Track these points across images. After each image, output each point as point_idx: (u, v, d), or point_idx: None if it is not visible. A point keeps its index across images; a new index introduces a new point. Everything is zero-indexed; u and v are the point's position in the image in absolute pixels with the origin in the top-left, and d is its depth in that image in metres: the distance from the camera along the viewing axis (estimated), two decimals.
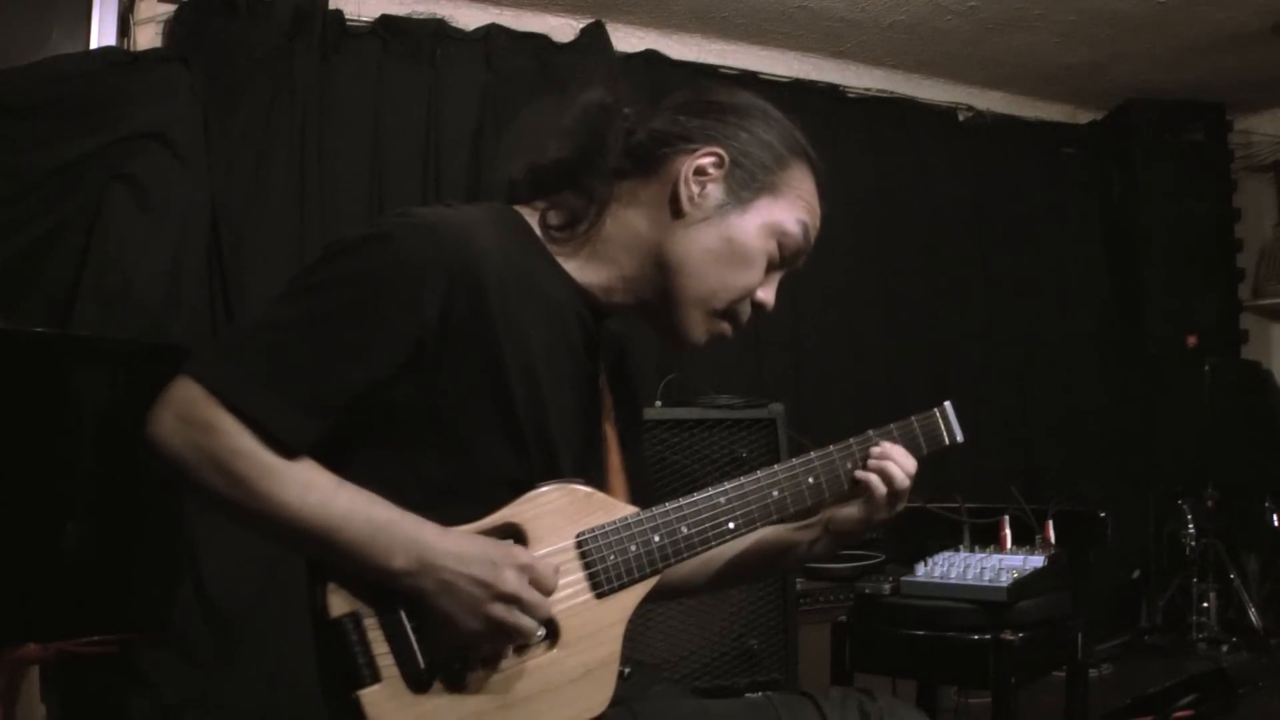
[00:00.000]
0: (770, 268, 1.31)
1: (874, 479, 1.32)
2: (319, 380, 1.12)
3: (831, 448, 1.35)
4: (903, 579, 2.26)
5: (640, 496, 1.35)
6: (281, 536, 1.11)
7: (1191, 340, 4.42)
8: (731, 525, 1.27)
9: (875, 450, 1.34)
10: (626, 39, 3.75)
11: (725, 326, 1.32)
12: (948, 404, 1.43)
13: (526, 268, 1.23)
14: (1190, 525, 4.14)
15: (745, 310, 1.32)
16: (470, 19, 3.52)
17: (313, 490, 1.10)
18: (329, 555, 1.11)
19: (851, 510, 1.35)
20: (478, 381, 1.17)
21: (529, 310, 1.21)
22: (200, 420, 1.07)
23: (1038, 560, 2.21)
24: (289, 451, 1.10)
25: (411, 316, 1.13)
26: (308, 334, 1.12)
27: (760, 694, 1.38)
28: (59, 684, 2.32)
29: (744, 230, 1.27)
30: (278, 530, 1.10)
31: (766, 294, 1.32)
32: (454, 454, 1.18)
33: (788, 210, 1.29)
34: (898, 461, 1.33)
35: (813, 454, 1.34)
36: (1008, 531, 2.36)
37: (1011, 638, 2.06)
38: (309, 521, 1.09)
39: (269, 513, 1.09)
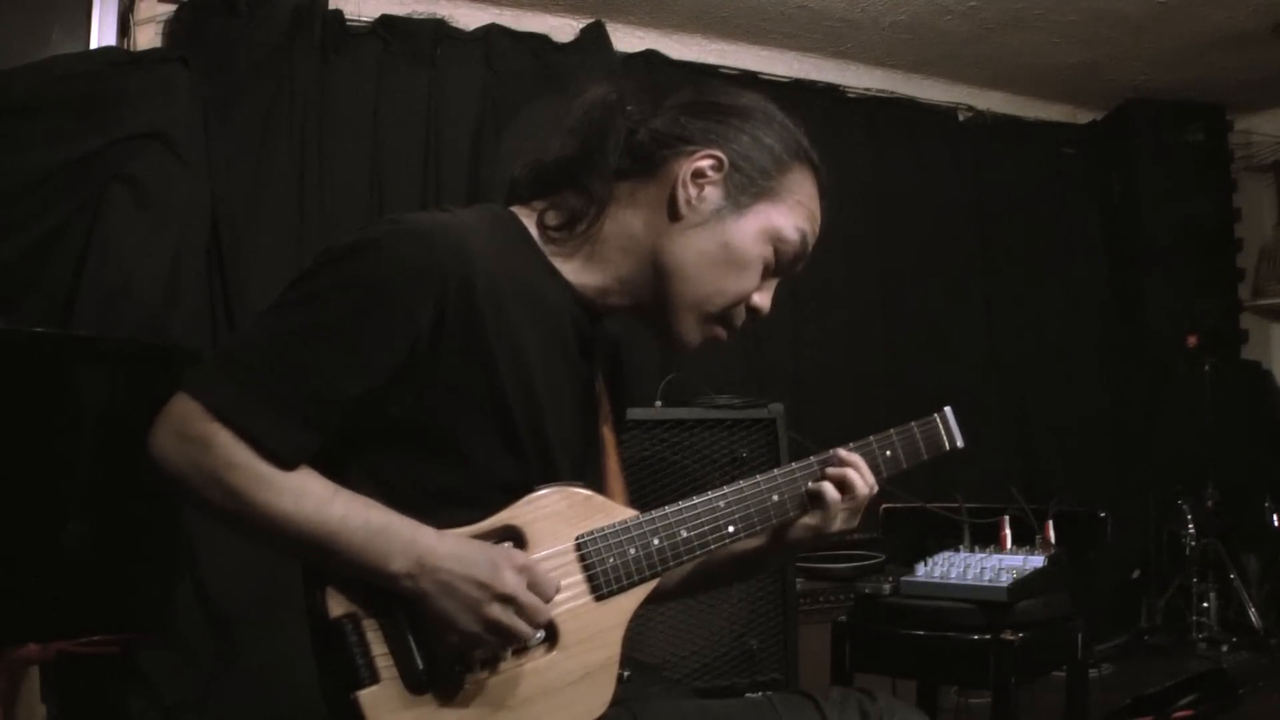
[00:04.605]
0: (767, 273, 1.30)
1: (828, 488, 1.30)
2: (313, 391, 1.12)
3: (829, 452, 1.34)
4: (903, 579, 2.26)
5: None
6: (281, 545, 1.12)
7: (1191, 340, 4.42)
8: (731, 529, 1.28)
9: (837, 458, 1.32)
10: (626, 39, 3.75)
11: (720, 330, 1.31)
12: (948, 409, 1.43)
13: (520, 271, 1.23)
14: (1190, 525, 4.14)
15: (740, 315, 1.31)
16: (470, 19, 3.52)
17: (308, 498, 1.11)
18: (329, 562, 1.12)
19: (805, 521, 1.33)
20: (472, 386, 1.17)
21: (523, 314, 1.21)
22: (197, 435, 1.09)
23: (1038, 560, 2.21)
24: (284, 462, 1.11)
25: (404, 323, 1.13)
26: (300, 345, 1.12)
27: (760, 694, 1.38)
28: (59, 684, 2.31)
29: (741, 235, 1.26)
30: (277, 539, 1.11)
31: (762, 299, 1.32)
32: (451, 459, 1.18)
33: (786, 216, 1.29)
34: (860, 472, 1.32)
35: (812, 458, 1.34)
36: (1008, 531, 2.36)
37: (1011, 638, 2.06)
38: (306, 529, 1.10)
39: (267, 522, 1.10)
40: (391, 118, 3.30)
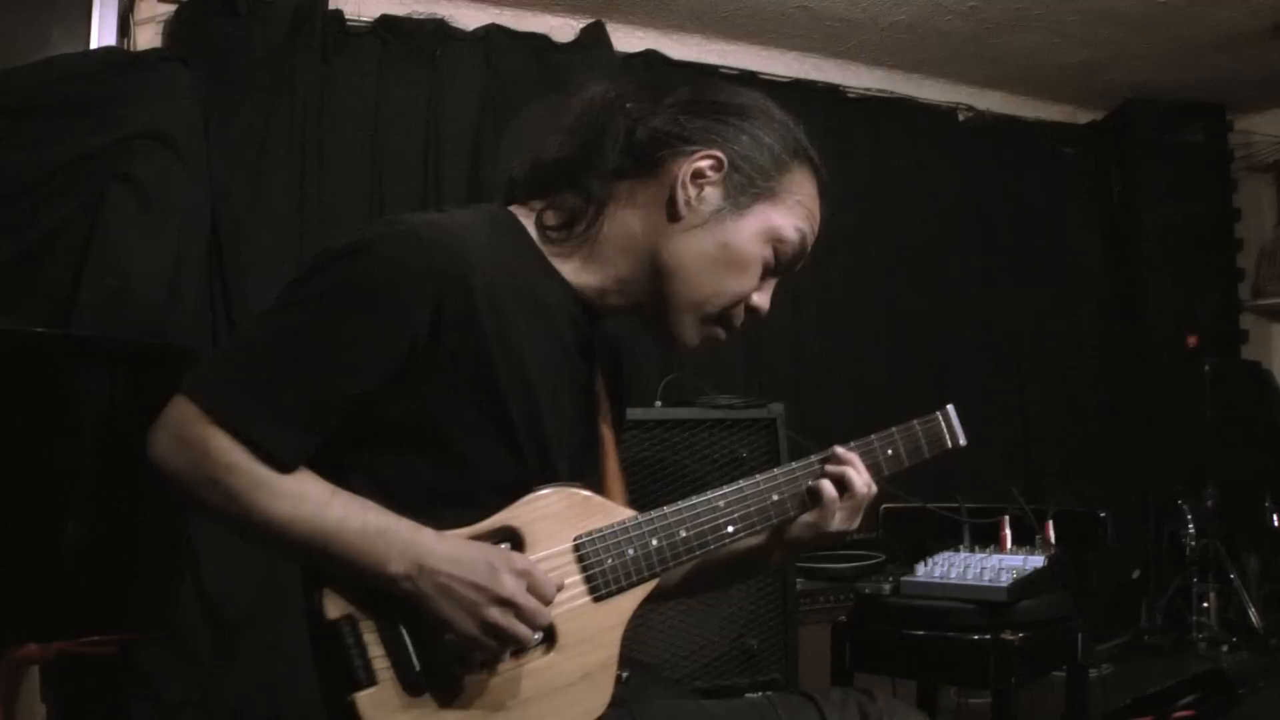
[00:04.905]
0: (766, 273, 1.30)
1: (825, 485, 1.30)
2: (310, 394, 1.12)
3: (830, 450, 1.34)
4: (903, 579, 2.26)
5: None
6: (281, 548, 1.12)
7: (1191, 340, 4.42)
8: (730, 529, 1.27)
9: (835, 456, 1.32)
10: (626, 39, 3.75)
11: (719, 331, 1.31)
12: (950, 407, 1.43)
13: (519, 271, 1.23)
14: (1190, 525, 4.13)
15: (739, 315, 1.31)
16: (470, 19, 3.52)
17: (306, 501, 1.11)
18: (328, 564, 1.12)
19: (805, 519, 1.32)
20: (470, 387, 1.17)
21: (521, 314, 1.21)
22: (195, 438, 1.09)
23: (1038, 560, 2.22)
24: (282, 465, 1.11)
25: (401, 325, 1.13)
26: (298, 347, 1.13)
27: (760, 694, 1.38)
28: (59, 684, 2.31)
29: (740, 236, 1.26)
30: (276, 542, 1.12)
31: (762, 299, 1.31)
32: (450, 460, 1.18)
33: (786, 216, 1.28)
34: (857, 470, 1.31)
35: (813, 457, 1.33)
36: (1008, 531, 2.36)
37: (1011, 638, 2.06)
38: (304, 531, 1.10)
39: (265, 525, 1.10)
40: (391, 118, 3.30)
